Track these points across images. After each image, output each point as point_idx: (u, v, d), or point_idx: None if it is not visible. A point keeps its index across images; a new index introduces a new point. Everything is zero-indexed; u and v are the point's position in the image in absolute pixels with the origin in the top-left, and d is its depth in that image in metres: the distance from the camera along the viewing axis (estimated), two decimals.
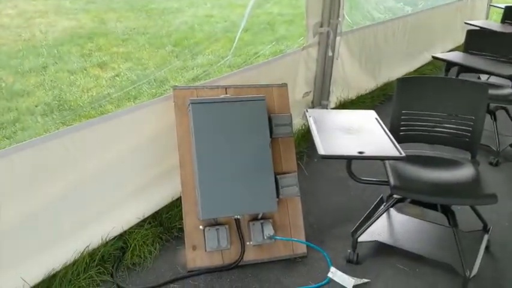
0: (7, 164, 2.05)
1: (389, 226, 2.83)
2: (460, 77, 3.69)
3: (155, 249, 2.61)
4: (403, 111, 2.69)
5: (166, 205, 2.80)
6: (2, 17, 7.82)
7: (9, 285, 2.11)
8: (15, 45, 6.51)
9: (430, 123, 2.73)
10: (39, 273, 2.23)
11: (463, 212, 2.62)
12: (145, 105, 2.66)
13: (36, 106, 4.54)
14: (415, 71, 5.52)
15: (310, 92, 3.98)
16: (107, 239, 2.50)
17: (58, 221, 2.29)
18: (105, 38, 6.97)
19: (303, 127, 3.92)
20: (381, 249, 2.66)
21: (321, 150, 2.12)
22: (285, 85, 2.78)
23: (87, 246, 2.41)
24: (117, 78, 5.42)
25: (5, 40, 6.68)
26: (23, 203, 2.14)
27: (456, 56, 4.04)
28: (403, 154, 2.10)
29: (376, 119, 2.51)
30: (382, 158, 2.43)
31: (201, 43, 6.89)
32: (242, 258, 2.54)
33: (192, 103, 2.47)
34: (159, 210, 2.77)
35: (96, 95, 4.87)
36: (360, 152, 2.11)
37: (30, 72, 5.47)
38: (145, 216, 2.69)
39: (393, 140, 2.25)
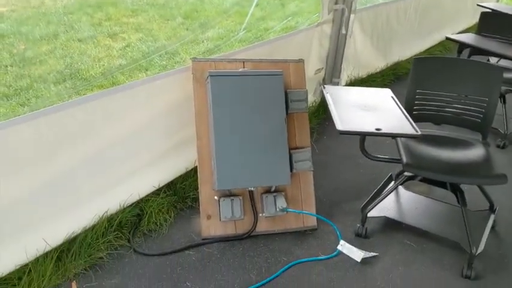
0: (34, 129, 2.09)
1: (397, 203, 2.89)
2: (471, 59, 3.71)
3: (170, 217, 2.69)
4: (418, 91, 2.73)
5: (181, 175, 2.86)
6: None
7: (31, 245, 2.18)
8: (24, 11, 6.49)
9: (443, 104, 2.77)
10: (60, 235, 2.30)
11: (469, 192, 2.67)
12: (164, 75, 2.67)
13: (48, 74, 4.56)
14: (425, 51, 5.52)
15: (322, 69, 4.00)
16: (125, 206, 2.57)
17: (78, 186, 2.35)
18: (115, 7, 6.94)
19: (314, 104, 3.96)
20: (389, 225, 2.74)
21: (339, 125, 2.16)
22: (301, 61, 2.81)
23: (106, 212, 2.47)
24: (128, 49, 5.43)
25: (14, 7, 6.66)
26: (46, 167, 2.19)
27: (469, 38, 4.05)
28: (419, 132, 2.14)
29: (392, 97, 2.54)
30: (399, 135, 2.47)
31: (211, 16, 6.87)
32: (255, 228, 2.61)
33: (210, 75, 2.50)
34: (174, 179, 2.83)
35: (107, 65, 4.89)
36: (377, 129, 2.15)
37: (41, 40, 5.47)
38: (161, 185, 2.75)
39: (409, 118, 2.29)
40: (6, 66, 4.70)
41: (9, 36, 5.51)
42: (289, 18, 6.30)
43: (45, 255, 2.23)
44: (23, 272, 2.15)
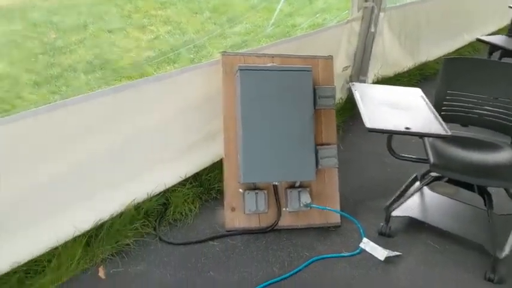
0: (64, 116, 2.14)
1: (422, 203, 2.88)
2: (502, 61, 3.66)
3: (195, 207, 2.73)
4: (448, 91, 2.70)
5: (206, 167, 2.90)
6: None
7: (61, 230, 2.25)
8: (55, 1, 6.59)
9: (472, 105, 2.74)
10: (88, 221, 2.36)
11: (495, 195, 2.63)
12: (193, 68, 2.71)
13: (78, 63, 4.65)
14: (454, 52, 5.44)
15: (350, 66, 3.99)
16: (151, 195, 2.61)
17: (107, 174, 2.41)
18: (144, 0, 7.01)
19: (340, 101, 3.95)
20: (413, 225, 2.72)
21: (368, 123, 2.15)
22: (330, 57, 2.81)
23: (133, 200, 2.53)
24: (156, 41, 5.49)
25: None
26: (75, 154, 2.25)
27: (500, 40, 4.00)
28: (449, 133, 2.13)
29: (422, 96, 2.53)
30: (429, 135, 2.43)
31: (239, 11, 6.88)
32: (278, 222, 2.63)
33: (240, 69, 2.52)
34: (199, 171, 2.87)
35: (136, 57, 4.95)
36: (407, 128, 2.14)
37: (72, 30, 5.56)
38: (187, 176, 2.79)
39: (439, 118, 2.27)
40: (37, 54, 4.80)
41: (40, 25, 5.62)
42: (318, 15, 6.28)
43: (74, 239, 2.29)
44: (53, 255, 2.21)
